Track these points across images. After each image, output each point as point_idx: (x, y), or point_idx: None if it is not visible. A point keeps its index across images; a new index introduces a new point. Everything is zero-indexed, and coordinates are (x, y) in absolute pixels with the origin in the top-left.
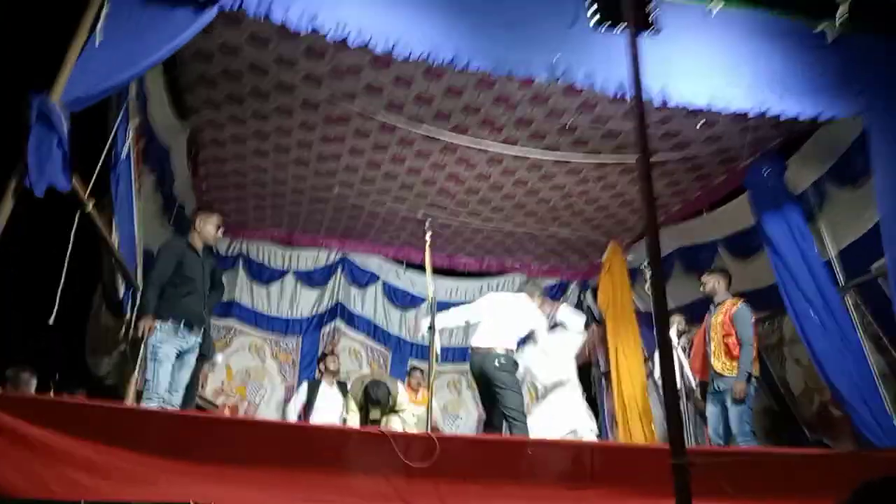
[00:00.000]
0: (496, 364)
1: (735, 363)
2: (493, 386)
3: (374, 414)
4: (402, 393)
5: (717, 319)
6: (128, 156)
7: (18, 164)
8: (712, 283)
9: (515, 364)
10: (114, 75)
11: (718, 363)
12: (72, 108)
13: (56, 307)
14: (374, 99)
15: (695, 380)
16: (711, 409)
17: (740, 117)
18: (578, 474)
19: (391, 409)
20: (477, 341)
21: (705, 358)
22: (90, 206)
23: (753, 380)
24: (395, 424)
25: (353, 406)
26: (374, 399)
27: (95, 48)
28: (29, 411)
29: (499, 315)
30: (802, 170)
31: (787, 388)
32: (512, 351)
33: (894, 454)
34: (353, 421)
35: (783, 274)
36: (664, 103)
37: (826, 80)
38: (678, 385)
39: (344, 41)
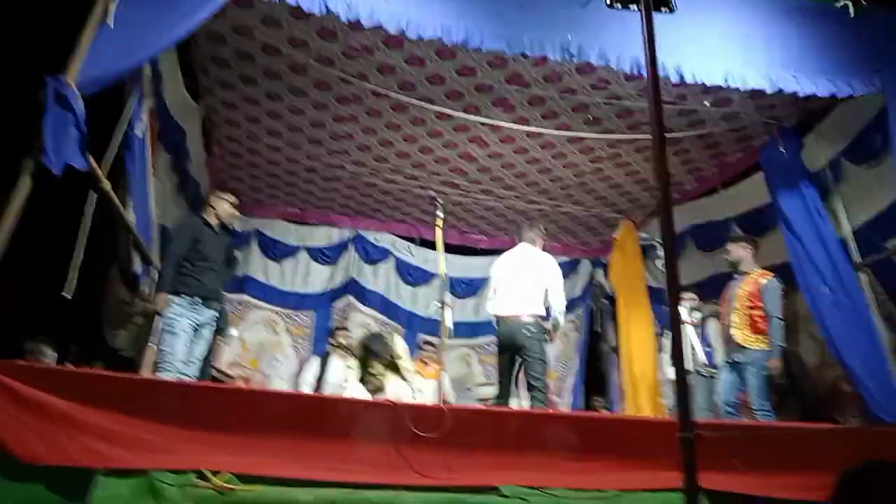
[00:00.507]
0: (526, 333)
1: (759, 336)
2: (523, 354)
3: (375, 368)
4: (399, 343)
5: (743, 290)
6: (143, 136)
7: (36, 144)
8: (738, 250)
9: (545, 331)
10: (128, 57)
11: (740, 335)
12: (87, 89)
13: (74, 282)
14: (386, 79)
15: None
16: (726, 379)
17: (757, 95)
18: (587, 446)
19: (391, 361)
20: (502, 310)
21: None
22: (107, 185)
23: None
24: (395, 387)
25: (353, 363)
26: (372, 351)
27: (110, 30)
28: (50, 382)
29: (516, 278)
30: (819, 147)
31: (800, 363)
32: (540, 317)
33: None
34: (353, 377)
35: (798, 251)
36: (680, 81)
37: (844, 57)
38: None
39: (356, 22)
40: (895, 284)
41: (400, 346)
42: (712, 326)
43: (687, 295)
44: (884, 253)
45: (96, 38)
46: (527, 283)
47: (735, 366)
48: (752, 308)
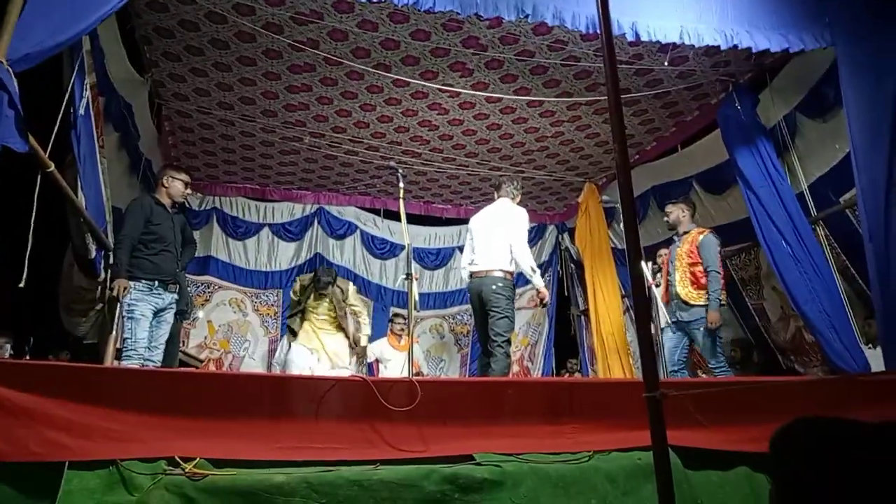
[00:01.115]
0: (493, 287)
1: (701, 292)
2: (489, 309)
3: (320, 298)
4: (352, 293)
5: (682, 249)
6: (87, 113)
7: None
8: (676, 212)
9: (513, 288)
10: (63, 30)
11: (683, 291)
12: (19, 66)
13: (25, 271)
14: (339, 45)
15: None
16: (670, 338)
17: (712, 52)
18: (557, 410)
19: (344, 297)
20: (474, 266)
21: (668, 288)
22: (51, 167)
23: (722, 308)
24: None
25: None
26: (322, 282)
27: (40, 2)
28: (7, 376)
29: (487, 234)
30: (774, 103)
31: (765, 315)
32: (510, 273)
33: (861, 379)
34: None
35: (756, 207)
36: (636, 39)
37: (796, 11)
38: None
39: None
40: (848, 238)
41: (353, 295)
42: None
43: (660, 251)
44: (838, 206)
45: (25, 10)
46: (498, 237)
47: (680, 325)
48: (692, 265)
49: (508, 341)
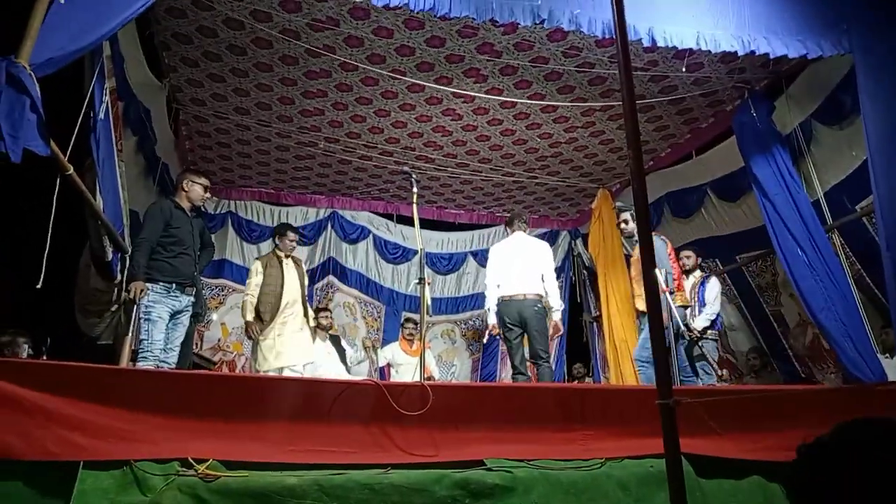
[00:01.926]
0: (535, 309)
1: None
2: (532, 330)
3: None
4: None
5: (634, 256)
6: (106, 117)
7: None
8: (633, 223)
9: (546, 309)
10: (84, 36)
11: (641, 301)
12: (42, 70)
13: (43, 272)
14: (355, 51)
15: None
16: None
17: (727, 58)
18: (569, 417)
19: None
20: (507, 290)
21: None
22: (71, 170)
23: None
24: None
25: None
26: None
27: (62, 8)
28: (24, 376)
29: (520, 261)
30: (790, 110)
31: (783, 322)
32: (542, 296)
33: (878, 388)
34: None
35: (771, 214)
36: (652, 45)
37: (813, 18)
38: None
39: None
40: (864, 246)
41: None
42: (712, 285)
43: (685, 252)
44: (855, 214)
45: (48, 16)
46: (527, 265)
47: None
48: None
49: (549, 355)
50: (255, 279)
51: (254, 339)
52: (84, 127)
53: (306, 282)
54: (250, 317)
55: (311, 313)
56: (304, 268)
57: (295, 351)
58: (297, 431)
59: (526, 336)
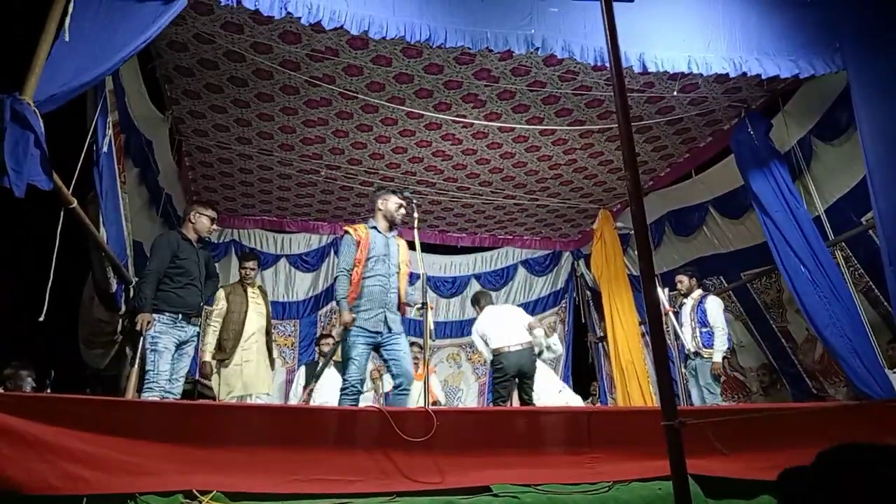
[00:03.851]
0: (532, 357)
1: None
2: (528, 377)
3: None
4: None
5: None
6: (109, 150)
7: None
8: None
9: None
10: (87, 72)
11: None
12: (46, 106)
13: (46, 304)
14: (354, 80)
15: (687, 343)
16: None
17: (722, 79)
18: (575, 440)
19: None
20: (505, 342)
21: None
22: (74, 203)
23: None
24: None
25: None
26: None
27: (65, 45)
28: (27, 409)
29: (506, 317)
30: (787, 128)
31: (790, 338)
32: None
33: (886, 405)
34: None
35: (772, 231)
36: (643, 70)
37: (805, 37)
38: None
39: (318, 23)
40: (871, 258)
41: None
42: (710, 305)
43: (677, 277)
44: (859, 227)
45: (52, 53)
46: (517, 323)
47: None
48: None
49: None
50: (218, 306)
51: (208, 375)
52: (87, 160)
53: (270, 312)
54: (208, 356)
55: (273, 348)
56: (308, 294)
57: (261, 379)
58: (300, 461)
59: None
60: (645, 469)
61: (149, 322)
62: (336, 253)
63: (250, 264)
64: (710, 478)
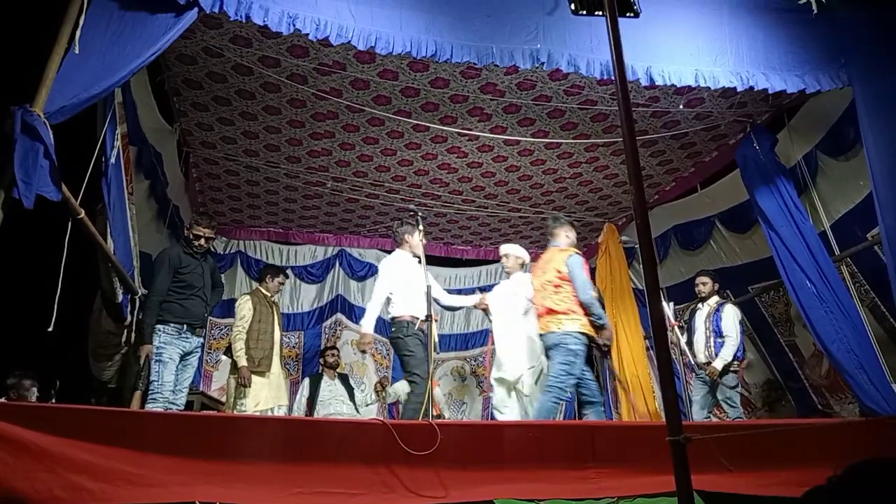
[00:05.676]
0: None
1: (554, 317)
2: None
3: None
4: None
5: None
6: (117, 162)
7: (6, 176)
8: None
9: None
10: (97, 83)
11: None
12: (56, 118)
13: (54, 314)
14: (361, 93)
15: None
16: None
17: (728, 93)
18: (579, 455)
19: None
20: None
21: None
22: (82, 214)
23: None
24: None
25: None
26: None
27: (76, 57)
28: (31, 420)
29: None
30: (793, 143)
31: (798, 352)
32: None
33: (893, 422)
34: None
35: (778, 246)
36: (650, 83)
37: (811, 52)
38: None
39: (325, 39)
40: (877, 275)
41: None
42: (727, 313)
43: (700, 279)
44: (865, 242)
45: (63, 65)
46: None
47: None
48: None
49: None
50: (247, 315)
51: (245, 385)
52: (96, 171)
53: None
54: (245, 361)
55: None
56: (313, 306)
57: (283, 390)
58: (303, 473)
59: None
60: (650, 485)
61: (148, 354)
62: (342, 265)
63: (281, 279)
64: (715, 494)
